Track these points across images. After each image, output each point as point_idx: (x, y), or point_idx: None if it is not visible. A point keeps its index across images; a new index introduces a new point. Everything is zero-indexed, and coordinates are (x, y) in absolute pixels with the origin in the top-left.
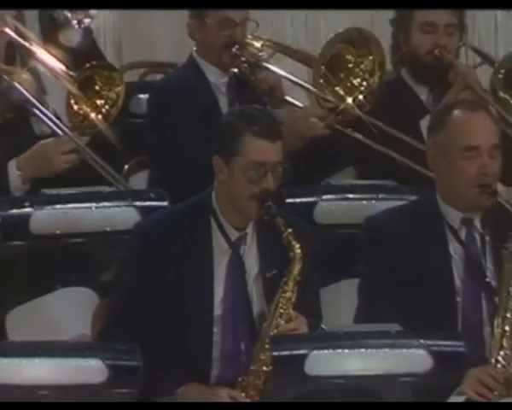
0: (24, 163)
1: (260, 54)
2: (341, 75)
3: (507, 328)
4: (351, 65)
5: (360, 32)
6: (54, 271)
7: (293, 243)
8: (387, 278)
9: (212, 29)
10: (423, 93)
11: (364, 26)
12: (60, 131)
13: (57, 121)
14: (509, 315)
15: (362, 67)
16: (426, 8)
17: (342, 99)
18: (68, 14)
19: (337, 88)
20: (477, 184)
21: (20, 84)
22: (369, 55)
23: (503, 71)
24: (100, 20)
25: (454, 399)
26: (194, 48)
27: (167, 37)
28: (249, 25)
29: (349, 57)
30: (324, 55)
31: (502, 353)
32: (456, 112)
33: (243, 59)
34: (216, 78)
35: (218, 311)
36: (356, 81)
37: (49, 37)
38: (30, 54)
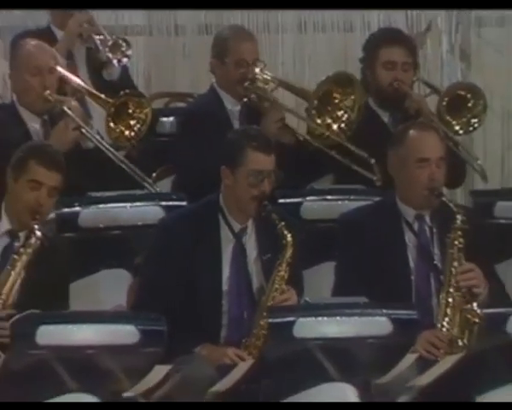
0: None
1: (266, 87)
2: (329, 108)
3: (450, 300)
4: (337, 101)
5: (347, 75)
6: (97, 256)
7: (286, 232)
8: (357, 261)
9: (229, 67)
10: (386, 116)
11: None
12: (101, 146)
13: (99, 138)
14: (451, 290)
15: (345, 103)
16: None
17: (329, 126)
18: (110, 54)
19: (326, 117)
20: (427, 188)
21: (69, 109)
22: (351, 95)
23: (446, 99)
24: (133, 59)
25: (409, 356)
26: (214, 80)
27: (186, 72)
28: (259, 64)
29: (336, 95)
30: (318, 91)
31: (446, 319)
32: (411, 131)
33: (253, 91)
34: (232, 105)
35: (225, 287)
36: (340, 113)
37: (93, 72)
38: (77, 86)
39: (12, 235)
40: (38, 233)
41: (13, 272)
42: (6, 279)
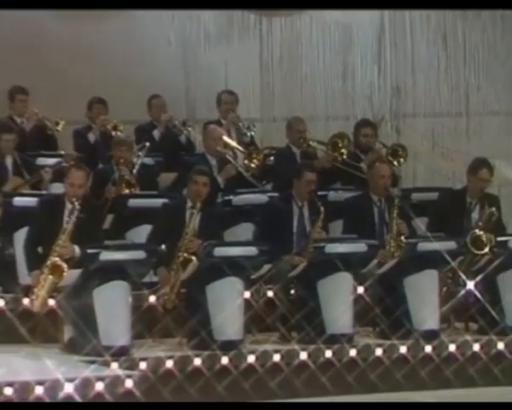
0: None
1: (311, 142)
2: (336, 147)
3: (391, 236)
4: (340, 145)
5: (343, 133)
6: (239, 217)
7: (320, 206)
8: (352, 220)
9: (293, 133)
10: (363, 156)
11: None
12: (242, 171)
13: (240, 167)
14: (394, 232)
15: (343, 144)
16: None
17: (336, 156)
18: (246, 130)
19: (335, 153)
20: (383, 188)
21: (228, 155)
22: (346, 140)
23: (390, 150)
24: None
25: (374, 261)
26: (288, 140)
27: (277, 138)
28: (307, 132)
29: (339, 141)
30: (330, 140)
31: (390, 244)
32: (377, 163)
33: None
34: (295, 150)
35: (294, 230)
36: (342, 150)
37: (238, 139)
38: (231, 144)
39: (192, 208)
40: (200, 204)
41: (187, 229)
42: (192, 228)
